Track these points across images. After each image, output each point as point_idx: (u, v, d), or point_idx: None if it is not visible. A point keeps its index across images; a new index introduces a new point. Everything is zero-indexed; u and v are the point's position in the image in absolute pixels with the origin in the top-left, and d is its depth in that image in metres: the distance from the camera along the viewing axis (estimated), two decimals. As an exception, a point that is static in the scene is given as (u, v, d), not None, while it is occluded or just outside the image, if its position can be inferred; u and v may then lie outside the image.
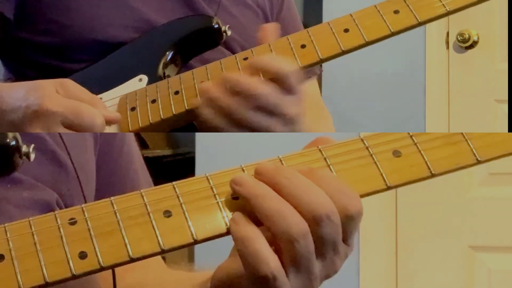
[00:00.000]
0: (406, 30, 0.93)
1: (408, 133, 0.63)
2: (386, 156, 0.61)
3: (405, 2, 0.93)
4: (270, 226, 0.58)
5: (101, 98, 0.98)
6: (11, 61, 1.11)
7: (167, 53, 1.03)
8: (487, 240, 1.99)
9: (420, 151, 0.62)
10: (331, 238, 0.59)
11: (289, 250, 0.58)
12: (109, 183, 0.85)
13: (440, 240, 2.01)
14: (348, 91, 2.17)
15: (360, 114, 2.21)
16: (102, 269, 0.55)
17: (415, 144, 0.62)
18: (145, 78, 1.00)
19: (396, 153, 0.62)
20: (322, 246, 0.59)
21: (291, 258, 0.58)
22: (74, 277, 0.55)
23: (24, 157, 0.65)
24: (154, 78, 1.00)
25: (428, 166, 0.61)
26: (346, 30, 0.93)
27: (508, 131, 0.63)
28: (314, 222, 0.58)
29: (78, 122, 0.81)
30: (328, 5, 2.22)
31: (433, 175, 0.61)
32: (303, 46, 0.93)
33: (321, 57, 0.92)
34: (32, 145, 0.65)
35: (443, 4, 0.92)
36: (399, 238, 2.02)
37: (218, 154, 2.10)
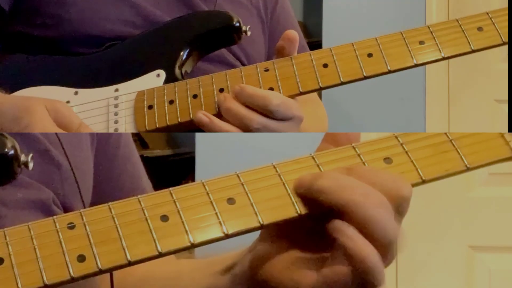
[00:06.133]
0: (429, 63, 0.93)
1: (398, 140, 0.64)
2: (377, 163, 0.63)
3: (432, 34, 0.93)
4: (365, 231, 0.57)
5: (117, 90, 0.98)
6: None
7: (186, 49, 1.02)
8: (487, 240, 1.99)
9: (410, 159, 0.63)
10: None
11: (386, 254, 0.59)
12: (108, 178, 0.86)
13: (440, 240, 2.01)
14: (348, 91, 2.17)
15: (360, 114, 2.21)
16: (100, 272, 0.56)
17: (406, 152, 0.63)
18: (163, 73, 1.00)
19: (387, 161, 0.63)
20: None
21: (387, 257, 0.59)
22: (73, 279, 0.56)
23: (22, 166, 0.66)
24: (172, 74, 0.99)
25: (418, 172, 0.62)
26: (370, 55, 0.92)
27: (508, 131, 0.63)
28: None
29: None
30: (328, 5, 2.21)
31: (423, 182, 0.62)
32: (325, 66, 0.93)
33: (342, 80, 0.92)
34: (31, 154, 0.66)
35: (468, 41, 0.93)
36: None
37: (218, 154, 2.10)
